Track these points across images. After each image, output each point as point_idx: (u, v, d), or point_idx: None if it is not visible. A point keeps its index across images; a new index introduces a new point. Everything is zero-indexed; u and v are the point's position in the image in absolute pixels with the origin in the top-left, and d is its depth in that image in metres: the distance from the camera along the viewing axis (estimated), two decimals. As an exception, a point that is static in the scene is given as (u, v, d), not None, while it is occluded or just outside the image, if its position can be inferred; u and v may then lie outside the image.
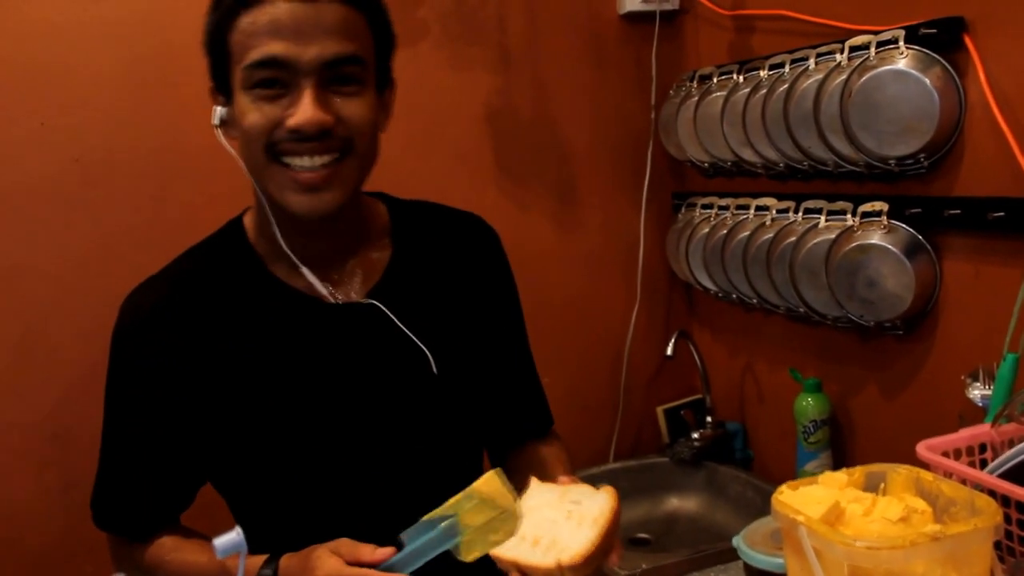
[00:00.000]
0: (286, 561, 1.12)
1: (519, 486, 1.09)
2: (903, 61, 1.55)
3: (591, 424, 2.29)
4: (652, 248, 2.31)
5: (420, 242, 1.32)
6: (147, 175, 1.86)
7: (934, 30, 1.52)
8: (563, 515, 1.03)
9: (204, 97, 1.83)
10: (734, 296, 2.08)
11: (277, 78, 1.10)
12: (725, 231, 2.03)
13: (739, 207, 2.03)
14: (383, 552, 1.04)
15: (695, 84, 2.12)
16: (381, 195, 1.35)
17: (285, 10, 1.09)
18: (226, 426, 1.21)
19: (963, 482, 1.11)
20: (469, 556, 1.02)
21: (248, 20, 1.10)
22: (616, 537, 1.05)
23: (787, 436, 1.96)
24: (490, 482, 1.03)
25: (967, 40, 1.50)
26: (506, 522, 1.02)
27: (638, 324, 2.30)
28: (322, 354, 1.22)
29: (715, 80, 2.05)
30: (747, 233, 1.96)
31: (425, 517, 1.04)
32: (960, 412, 1.45)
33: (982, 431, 1.25)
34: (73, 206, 1.81)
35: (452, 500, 1.04)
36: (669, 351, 2.11)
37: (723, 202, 2.09)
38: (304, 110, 1.10)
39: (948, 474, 1.15)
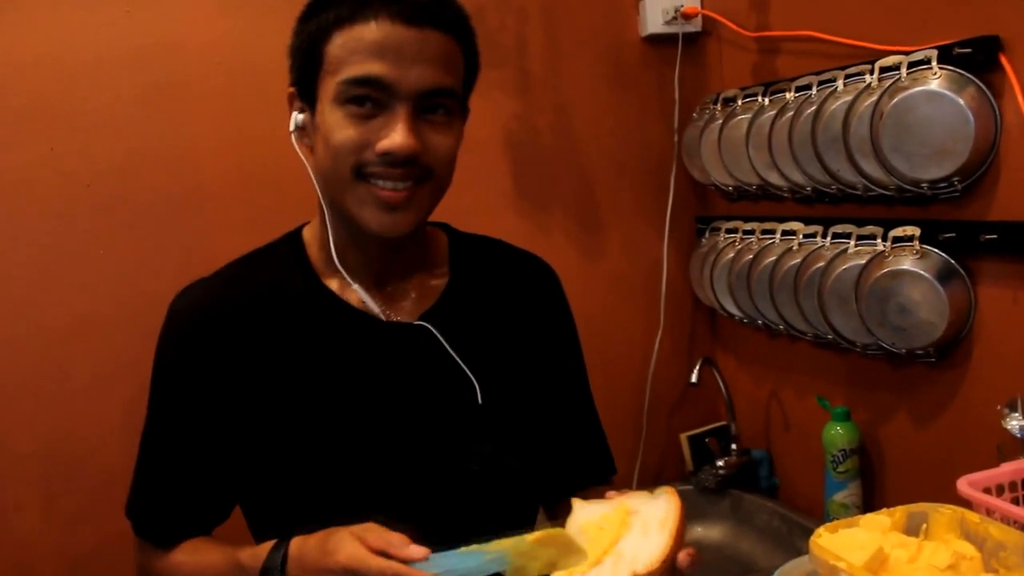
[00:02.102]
0: (298, 543, 1.09)
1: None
2: (936, 81, 1.51)
3: (613, 451, 2.23)
4: (675, 273, 2.27)
5: (478, 273, 1.32)
6: (160, 200, 1.84)
7: (969, 49, 1.49)
8: (624, 528, 0.96)
9: (218, 122, 1.84)
10: (760, 322, 2.04)
11: (373, 97, 1.10)
12: (751, 256, 1.99)
13: (764, 232, 2.00)
14: (416, 551, 0.99)
15: (719, 107, 2.09)
16: (443, 225, 1.35)
17: (390, 32, 1.08)
18: (265, 434, 1.20)
19: (1004, 520, 1.07)
20: None
21: (350, 35, 1.09)
22: (683, 538, 0.98)
23: (814, 464, 1.92)
24: (555, 536, 0.96)
25: (1003, 59, 1.46)
26: (569, 557, 0.96)
27: (661, 350, 2.26)
28: (367, 370, 1.21)
29: (739, 103, 2.02)
30: (773, 258, 1.92)
31: (463, 548, 0.97)
32: (998, 444, 1.41)
33: (1024, 466, 1.21)
34: (85, 231, 1.79)
35: (503, 540, 0.96)
36: (694, 378, 2.08)
37: (748, 226, 2.06)
38: (397, 136, 1.09)
39: (991, 512, 1.11)
